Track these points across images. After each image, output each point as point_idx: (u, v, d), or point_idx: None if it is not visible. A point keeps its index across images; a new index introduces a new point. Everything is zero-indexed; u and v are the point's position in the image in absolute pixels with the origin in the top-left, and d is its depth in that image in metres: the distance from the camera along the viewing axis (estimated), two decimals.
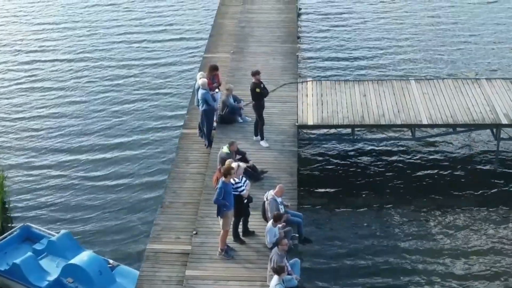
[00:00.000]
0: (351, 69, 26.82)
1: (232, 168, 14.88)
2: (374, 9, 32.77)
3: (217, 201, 14.65)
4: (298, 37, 28.01)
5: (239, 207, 15.02)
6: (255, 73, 18.92)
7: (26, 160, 22.17)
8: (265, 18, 27.80)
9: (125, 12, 33.59)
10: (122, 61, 28.53)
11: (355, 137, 21.04)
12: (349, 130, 21.10)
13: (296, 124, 20.22)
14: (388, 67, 27.08)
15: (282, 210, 15.69)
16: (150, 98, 25.54)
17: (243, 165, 15.70)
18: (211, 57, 25.03)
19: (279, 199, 15.78)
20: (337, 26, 30.84)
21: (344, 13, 32.47)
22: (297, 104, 21.24)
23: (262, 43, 25.43)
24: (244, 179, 15.47)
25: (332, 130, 21.83)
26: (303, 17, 32.06)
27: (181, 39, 30.38)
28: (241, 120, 20.26)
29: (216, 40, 26.57)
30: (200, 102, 19.42)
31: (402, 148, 21.86)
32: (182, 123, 21.50)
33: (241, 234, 15.54)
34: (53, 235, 16.89)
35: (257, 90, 18.64)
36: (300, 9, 32.15)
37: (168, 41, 30.28)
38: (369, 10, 32.63)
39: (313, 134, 21.86)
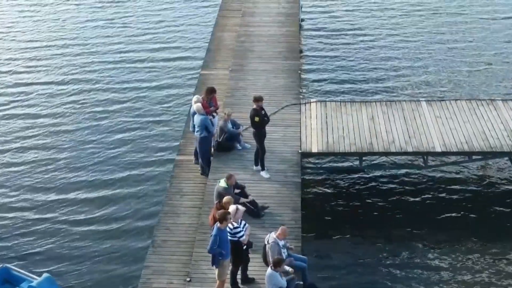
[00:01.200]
0: (358, 89, 25.24)
1: (229, 213, 13.40)
2: (382, 24, 31.10)
3: (212, 251, 13.14)
4: (301, 51, 26.55)
5: (238, 255, 13.56)
6: (258, 100, 17.39)
7: (7, 199, 20.15)
8: (266, 31, 26.31)
9: (118, 27, 32.02)
10: (113, 83, 26.44)
11: (362, 165, 19.56)
12: (356, 157, 19.65)
13: (299, 151, 18.75)
14: (397, 86, 25.47)
15: (285, 254, 14.25)
16: (143, 121, 23.83)
17: (242, 208, 14.20)
18: (208, 74, 23.62)
19: (281, 242, 14.32)
20: (342, 41, 29.20)
21: (349, 28, 30.77)
22: (300, 129, 19.78)
23: (263, 59, 23.94)
24: (243, 222, 14.01)
25: (338, 157, 20.40)
26: (306, 31, 30.58)
27: (177, 54, 28.75)
28: (240, 147, 18.80)
29: (214, 56, 25.11)
30: (197, 128, 17.96)
31: (413, 177, 20.32)
32: (173, 150, 20.09)
33: (239, 282, 14.07)
34: (35, 279, 15.41)
35: (256, 119, 17.17)
36: (302, 19, 30.70)
37: (163, 57, 28.61)
38: (377, 25, 30.96)
39: (318, 161, 20.41)
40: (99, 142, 22.64)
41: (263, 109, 17.47)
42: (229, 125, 18.67)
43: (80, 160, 21.75)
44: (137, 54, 28.95)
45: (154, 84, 26.42)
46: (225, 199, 14.94)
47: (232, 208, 13.78)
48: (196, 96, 18.69)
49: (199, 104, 17.99)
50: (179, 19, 32.47)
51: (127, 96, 25.53)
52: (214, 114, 18.87)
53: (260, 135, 17.41)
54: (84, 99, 25.32)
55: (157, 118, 23.97)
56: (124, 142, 22.59)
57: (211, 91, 18.95)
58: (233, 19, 28.36)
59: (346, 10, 32.87)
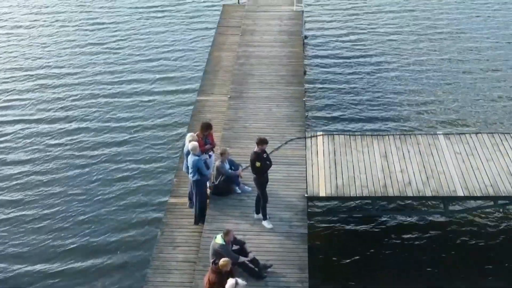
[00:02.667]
0: (367, 117, 23.25)
1: None
2: (394, 45, 29.02)
3: None
4: (304, 72, 24.60)
5: None
6: (262, 142, 15.35)
7: None
8: (267, 52, 24.37)
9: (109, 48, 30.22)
10: (97, 121, 23.89)
11: (376, 210, 17.62)
12: (369, 200, 17.71)
13: (306, 195, 16.80)
14: (411, 116, 23.44)
15: None
16: (133, 156, 21.78)
17: (242, 283, 12.25)
18: (205, 101, 21.71)
19: None
20: (349, 63, 27.20)
21: (357, 48, 28.68)
22: (306, 167, 17.83)
23: (264, 84, 21.98)
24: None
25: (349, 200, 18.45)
26: (309, 49, 28.66)
27: (171, 76, 26.77)
28: (239, 191, 16.84)
29: (211, 79, 23.18)
30: (191, 170, 16.05)
31: (431, 224, 18.32)
32: (165, 192, 18.16)
33: None
34: None
35: (258, 164, 15.21)
36: (306, 36, 28.77)
37: (156, 79, 26.68)
38: (387, 47, 28.94)
39: (325, 206, 18.47)
40: (83, 184, 20.44)
41: (265, 152, 15.52)
42: (226, 166, 16.70)
43: (64, 212, 19.31)
44: (125, 77, 27.03)
45: (145, 111, 24.43)
46: (222, 262, 13.06)
47: (230, 282, 11.84)
48: (190, 134, 16.70)
49: (194, 143, 16.06)
50: (174, 36, 30.67)
51: (113, 129, 23.41)
52: (211, 153, 16.98)
53: (261, 181, 15.45)
54: (67, 138, 22.93)
55: (148, 154, 21.82)
56: (109, 183, 20.42)
57: (206, 127, 17.01)
58: (232, 37, 26.48)
59: (353, 28, 31.06)
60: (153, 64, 27.96)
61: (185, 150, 16.54)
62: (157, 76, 26.99)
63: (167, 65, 27.81)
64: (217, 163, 16.75)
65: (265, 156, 15.43)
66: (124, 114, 24.31)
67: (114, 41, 30.40)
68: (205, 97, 22.07)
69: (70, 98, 25.41)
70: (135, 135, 22.92)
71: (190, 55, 28.73)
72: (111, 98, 25.46)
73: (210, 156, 16.84)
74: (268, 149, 15.90)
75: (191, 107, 22.34)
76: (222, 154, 16.65)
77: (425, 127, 22.38)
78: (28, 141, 22.73)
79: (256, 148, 15.40)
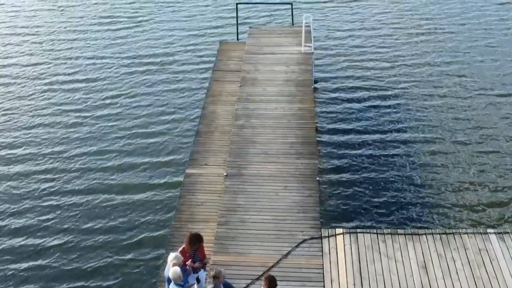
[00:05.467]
0: (399, 207, 18.55)
1: None
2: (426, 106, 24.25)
3: None
4: (316, 129, 20.36)
5: None
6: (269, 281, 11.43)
7: None
8: (271, 110, 20.36)
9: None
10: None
11: None
12: None
13: None
14: (453, 206, 18.66)
15: None
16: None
17: None
18: (196, 176, 17.72)
19: None
20: (366, 131, 22.62)
21: (381, 112, 23.91)
22: (324, 282, 13.82)
23: (268, 158, 17.92)
24: None
25: None
26: (318, 95, 24.62)
27: (153, 146, 22.14)
28: None
29: (205, 143, 19.19)
30: None
31: None
32: None
33: None
34: None
35: None
36: (316, 81, 24.77)
37: (137, 144, 22.26)
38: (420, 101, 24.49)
39: None
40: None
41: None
42: None
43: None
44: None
45: (120, 197, 19.80)
46: None
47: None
48: (174, 255, 12.50)
49: (177, 271, 12.01)
50: (160, 87, 26.29)
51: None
52: (202, 269, 12.97)
53: None
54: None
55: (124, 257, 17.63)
56: None
57: (195, 240, 12.92)
58: (230, 86, 22.53)
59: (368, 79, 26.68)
60: (133, 125, 23.67)
61: (165, 274, 12.51)
62: (136, 141, 22.74)
63: (151, 125, 23.44)
64: (209, 286, 12.72)
65: None
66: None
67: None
68: (197, 170, 18.06)
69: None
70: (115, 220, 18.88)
71: (181, 107, 24.57)
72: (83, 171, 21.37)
73: (198, 280, 12.83)
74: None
75: (177, 192, 18.19)
76: (216, 277, 12.59)
77: (471, 220, 18.09)
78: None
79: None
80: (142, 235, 17.94)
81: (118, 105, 24.74)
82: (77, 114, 24.04)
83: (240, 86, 21.84)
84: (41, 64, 28.25)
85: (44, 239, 17.89)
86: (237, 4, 27.43)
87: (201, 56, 28.66)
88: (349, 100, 24.61)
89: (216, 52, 25.79)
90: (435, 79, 26.05)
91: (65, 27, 32.31)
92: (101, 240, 17.81)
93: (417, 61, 27.66)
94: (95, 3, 35.57)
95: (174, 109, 24.26)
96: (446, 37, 30.12)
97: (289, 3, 28.73)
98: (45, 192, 19.77)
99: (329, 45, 29.40)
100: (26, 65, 28.17)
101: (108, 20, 33.12)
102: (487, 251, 14.66)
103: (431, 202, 18.76)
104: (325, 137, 22.09)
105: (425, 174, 20.08)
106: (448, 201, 18.80)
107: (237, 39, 27.54)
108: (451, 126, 22.66)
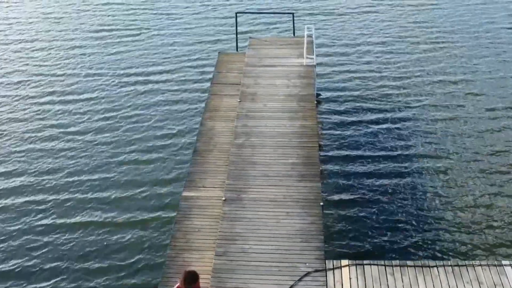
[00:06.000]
0: (407, 235, 17.59)
1: None
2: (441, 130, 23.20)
3: None
4: (319, 146, 19.45)
5: None
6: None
7: None
8: (272, 127, 19.41)
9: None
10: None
11: None
12: None
13: None
14: (464, 234, 17.71)
15: None
16: None
17: None
18: (193, 198, 16.82)
19: None
20: (372, 148, 21.76)
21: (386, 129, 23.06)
22: None
23: (269, 181, 16.94)
24: None
25: None
26: (322, 112, 23.71)
27: (149, 162, 21.35)
28: None
29: (203, 163, 18.27)
30: None
31: None
32: None
33: None
34: None
35: None
36: (318, 94, 23.85)
37: (130, 168, 21.36)
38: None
39: None
40: None
41: None
42: None
43: None
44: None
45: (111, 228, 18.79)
46: None
47: None
48: None
49: None
50: (157, 99, 25.49)
51: None
52: None
53: None
54: None
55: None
56: None
57: (191, 280, 11.94)
58: (229, 100, 21.65)
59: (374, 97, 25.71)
60: (130, 141, 22.82)
61: None
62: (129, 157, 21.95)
63: (148, 143, 22.56)
64: None
65: None
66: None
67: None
68: (194, 193, 17.13)
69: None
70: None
71: (177, 123, 23.66)
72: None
73: None
74: None
75: (173, 214, 17.27)
76: None
77: (484, 250, 17.10)
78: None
79: None
80: (137, 265, 17.04)
81: (114, 121, 23.86)
82: (70, 137, 22.86)
83: (240, 101, 20.92)
84: (31, 81, 27.15)
85: (35, 269, 16.99)
86: (236, 13, 26.52)
87: (200, 67, 27.82)
88: (353, 115, 23.76)
89: (215, 64, 24.89)
90: (445, 96, 25.02)
91: (58, 40, 31.30)
92: (95, 266, 16.93)
93: (426, 78, 26.65)
94: (91, 14, 34.67)
95: (173, 126, 23.38)
96: (456, 51, 29.14)
97: (290, 13, 27.82)
98: (39, 215, 18.87)
99: (332, 58, 28.52)
100: (16, 82, 27.04)
101: (104, 32, 32.13)
102: (502, 285, 13.72)
103: (443, 231, 17.76)
104: (328, 155, 21.16)
105: (436, 200, 19.11)
106: (461, 230, 17.79)
107: (237, 50, 26.66)
108: (464, 149, 21.64)
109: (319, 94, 24.61)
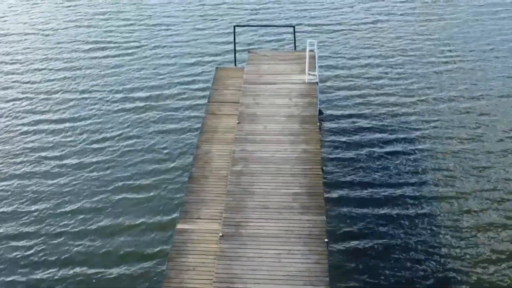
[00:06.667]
0: (420, 280, 16.15)
1: None
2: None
3: None
4: (323, 170, 18.10)
5: None
6: None
7: None
8: (273, 152, 18.11)
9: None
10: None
11: None
12: None
13: None
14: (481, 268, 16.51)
15: None
16: None
17: None
18: (188, 232, 15.67)
19: None
20: (378, 173, 20.39)
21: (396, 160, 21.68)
22: None
23: (269, 214, 15.63)
24: None
25: None
26: (325, 135, 22.39)
27: (142, 189, 20.07)
28: None
29: (198, 191, 17.08)
30: None
31: None
32: None
33: None
34: None
35: None
36: (322, 112, 22.61)
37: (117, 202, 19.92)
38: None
39: None
40: None
41: None
42: None
43: None
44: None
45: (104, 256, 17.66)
46: None
47: None
48: None
49: None
50: (149, 122, 24.10)
51: None
52: None
53: None
54: None
55: None
56: None
57: None
58: (226, 120, 20.46)
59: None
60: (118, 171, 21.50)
61: None
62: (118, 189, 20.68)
63: (138, 172, 21.15)
64: None
65: None
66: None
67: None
68: (189, 225, 15.93)
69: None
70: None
71: (173, 146, 22.37)
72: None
73: None
74: None
75: (167, 247, 16.00)
76: None
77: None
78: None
79: None
80: None
81: (104, 145, 22.61)
82: (57, 162, 21.51)
83: (238, 123, 19.65)
84: (20, 99, 25.75)
85: None
86: (234, 26, 25.26)
87: (197, 83, 26.54)
88: (357, 134, 22.55)
89: (212, 80, 23.63)
90: (456, 117, 23.62)
91: (53, 56, 29.87)
92: None
93: (435, 95, 25.27)
94: (86, 27, 33.26)
95: (168, 149, 22.12)
96: (463, 64, 27.82)
97: (291, 26, 26.54)
98: (26, 256, 17.59)
99: (335, 72, 27.28)
100: (4, 101, 25.78)
101: (99, 46, 30.76)
102: None
103: (461, 273, 16.43)
104: (332, 181, 19.91)
105: (451, 232, 17.81)
106: (480, 266, 16.57)
107: (235, 64, 25.43)
108: (476, 176, 20.28)
109: (321, 112, 23.36)
